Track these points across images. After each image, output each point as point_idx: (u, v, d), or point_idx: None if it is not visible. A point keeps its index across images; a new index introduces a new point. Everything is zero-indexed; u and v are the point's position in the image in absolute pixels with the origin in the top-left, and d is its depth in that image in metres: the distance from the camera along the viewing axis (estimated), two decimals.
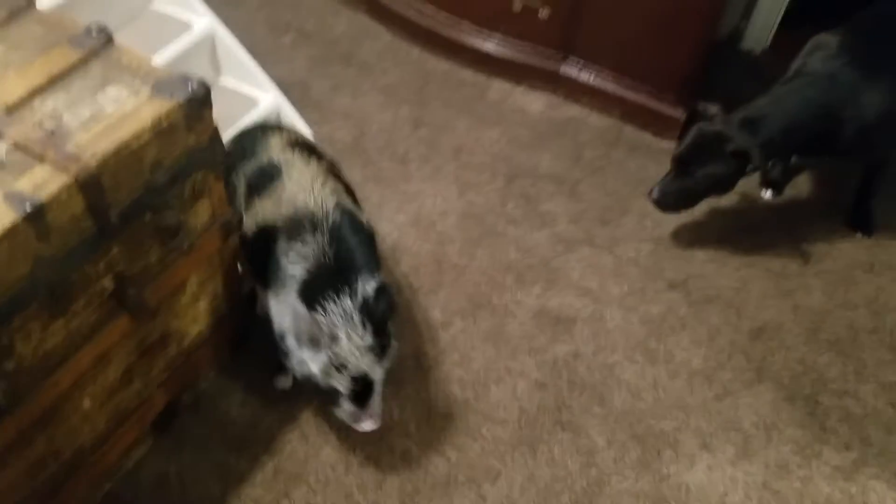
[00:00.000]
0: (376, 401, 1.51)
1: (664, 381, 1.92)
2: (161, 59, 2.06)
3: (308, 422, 1.80)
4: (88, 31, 1.44)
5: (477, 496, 1.71)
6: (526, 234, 2.23)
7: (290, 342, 1.50)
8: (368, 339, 1.45)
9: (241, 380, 1.87)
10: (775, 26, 2.65)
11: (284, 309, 1.53)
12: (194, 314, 1.66)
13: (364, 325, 1.44)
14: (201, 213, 1.53)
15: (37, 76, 1.35)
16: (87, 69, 1.39)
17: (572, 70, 2.54)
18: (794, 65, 2.08)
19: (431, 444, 1.79)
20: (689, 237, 2.23)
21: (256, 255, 1.63)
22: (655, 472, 1.77)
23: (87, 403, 1.46)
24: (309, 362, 1.46)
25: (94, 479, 1.58)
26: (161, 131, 1.32)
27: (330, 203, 1.59)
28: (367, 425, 1.54)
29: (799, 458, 1.80)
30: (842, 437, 1.84)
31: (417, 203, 2.28)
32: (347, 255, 1.52)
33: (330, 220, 1.55)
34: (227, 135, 1.99)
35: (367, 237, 1.61)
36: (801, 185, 2.21)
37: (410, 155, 2.42)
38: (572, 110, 2.57)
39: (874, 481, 1.77)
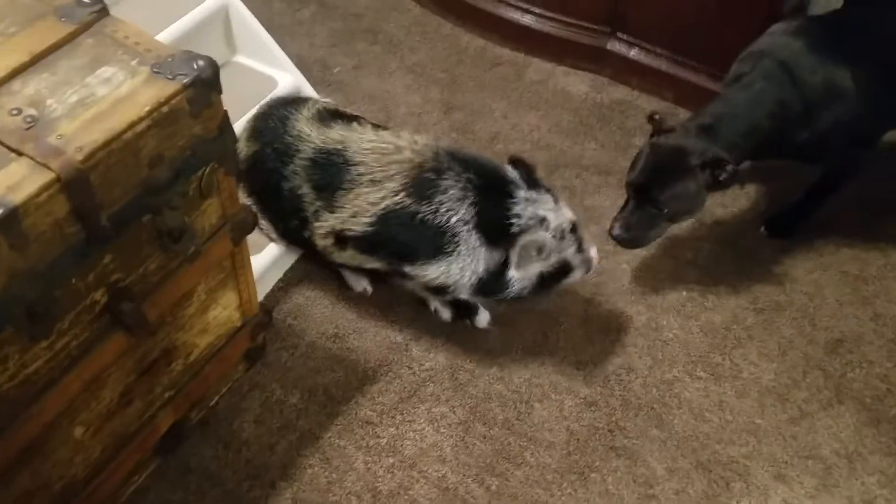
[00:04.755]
0: (586, 237, 1.64)
1: (731, 401, 1.71)
2: (169, 35, 1.88)
3: (331, 443, 1.62)
4: (80, 1, 1.24)
5: None
6: None
7: (512, 275, 1.56)
8: (545, 194, 1.56)
9: (256, 396, 1.68)
10: (841, 2, 2.39)
11: (456, 267, 1.54)
12: (203, 326, 1.46)
13: (539, 190, 1.56)
14: (209, 214, 1.33)
15: (17, 54, 1.16)
16: (76, 46, 1.20)
17: (621, 47, 2.30)
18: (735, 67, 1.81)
19: (469, 470, 1.59)
20: (754, 236, 2.00)
21: (382, 241, 1.56)
22: None
23: (78, 431, 1.27)
24: (536, 267, 1.57)
25: None
26: (161, 119, 1.12)
27: (430, 143, 1.62)
28: (593, 252, 1.64)
29: (887, 492, 1.59)
30: None
31: None
32: (484, 167, 1.58)
33: (447, 155, 1.58)
34: (241, 120, 1.80)
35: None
36: (877, 179, 1.98)
37: (442, 141, 2.20)
38: (620, 92, 2.33)
39: None
